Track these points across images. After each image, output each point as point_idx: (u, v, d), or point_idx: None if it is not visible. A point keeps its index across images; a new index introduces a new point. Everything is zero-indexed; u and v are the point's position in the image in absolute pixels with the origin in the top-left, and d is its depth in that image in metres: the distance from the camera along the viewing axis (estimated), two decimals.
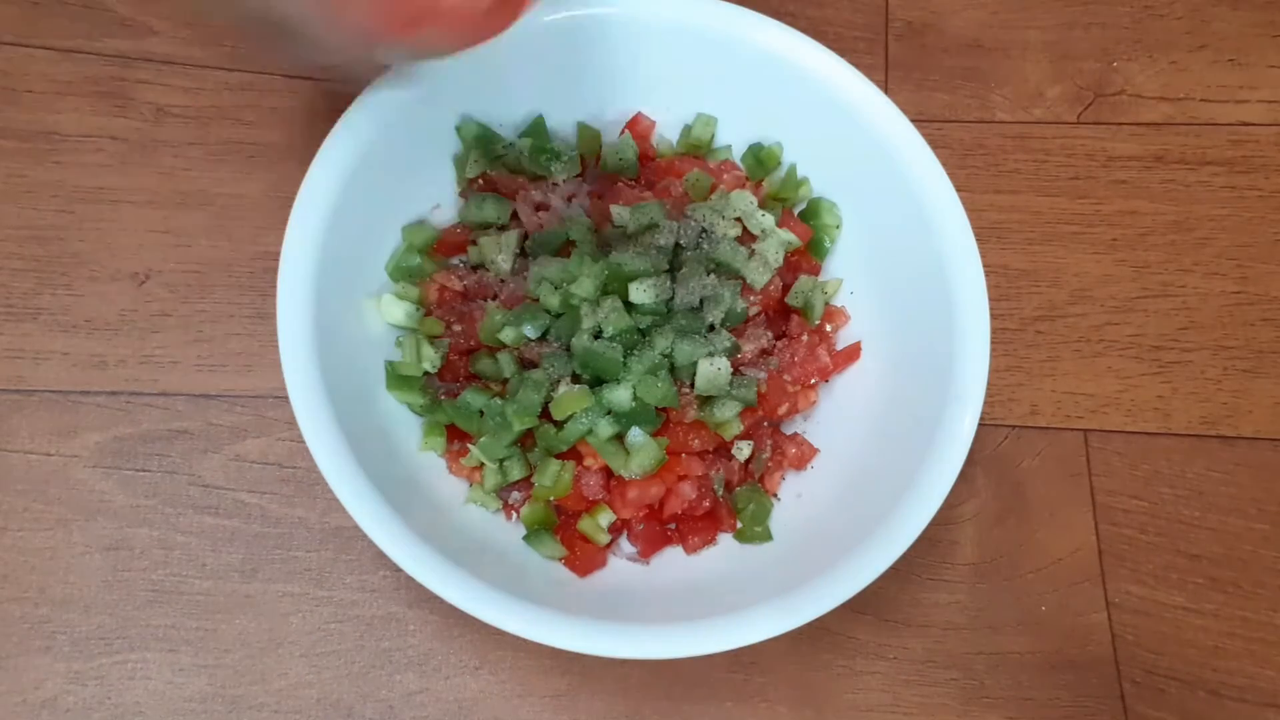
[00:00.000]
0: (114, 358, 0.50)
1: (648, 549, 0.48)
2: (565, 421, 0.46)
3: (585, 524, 0.47)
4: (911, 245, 0.48)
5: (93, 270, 0.51)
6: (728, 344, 0.47)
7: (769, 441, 0.50)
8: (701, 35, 0.50)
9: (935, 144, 0.49)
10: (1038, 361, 0.57)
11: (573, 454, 0.47)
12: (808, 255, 0.52)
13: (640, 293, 0.46)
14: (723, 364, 0.46)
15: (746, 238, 0.50)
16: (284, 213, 0.44)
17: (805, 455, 0.50)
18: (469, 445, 0.47)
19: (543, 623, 0.41)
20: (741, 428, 0.48)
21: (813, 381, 0.50)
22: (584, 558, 0.47)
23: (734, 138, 0.54)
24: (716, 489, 0.48)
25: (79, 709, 0.46)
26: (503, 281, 0.49)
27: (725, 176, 0.52)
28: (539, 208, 0.50)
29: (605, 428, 0.45)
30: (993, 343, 0.46)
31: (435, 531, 0.43)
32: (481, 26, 0.34)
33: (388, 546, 0.41)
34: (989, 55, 0.63)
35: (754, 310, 0.49)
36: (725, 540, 0.49)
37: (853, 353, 0.51)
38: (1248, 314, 0.60)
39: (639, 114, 0.53)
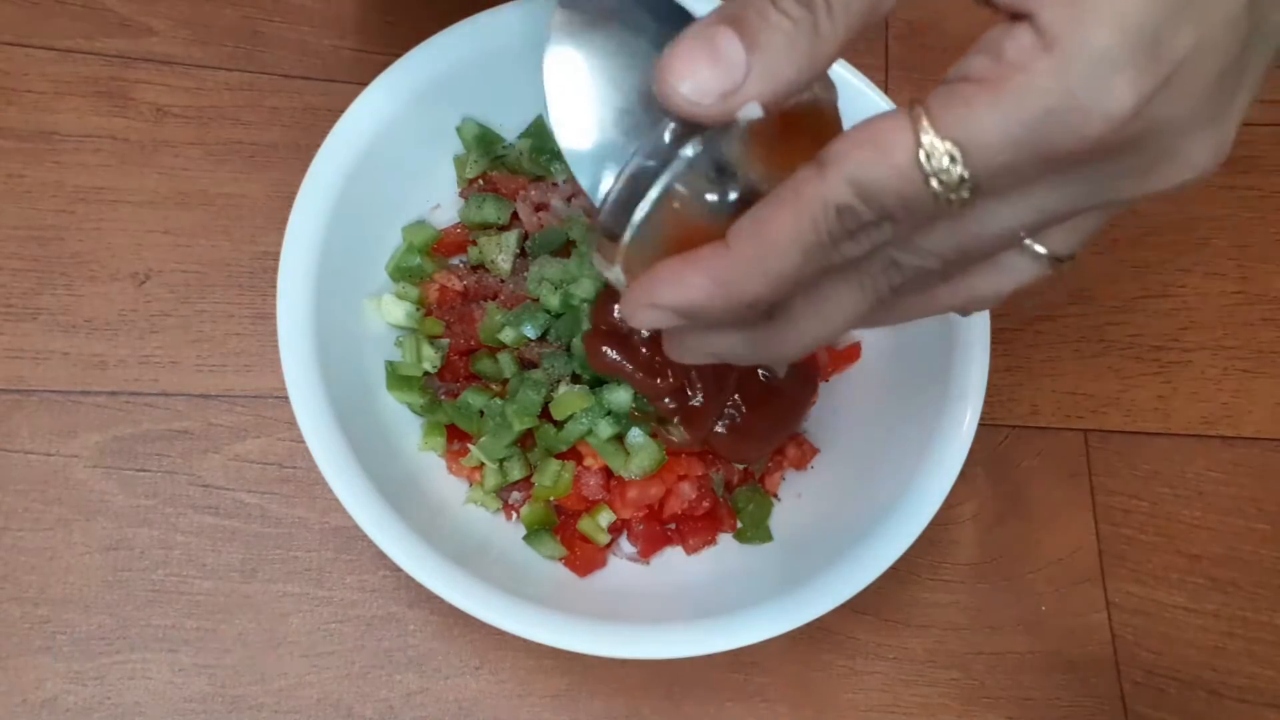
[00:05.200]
0: (114, 358, 0.50)
1: (648, 549, 0.48)
2: (565, 421, 0.46)
3: (585, 524, 0.47)
4: None
5: (93, 270, 0.51)
6: None
7: None
8: None
9: None
10: (1038, 361, 0.57)
11: (573, 454, 0.47)
12: None
13: None
14: None
15: None
16: (284, 213, 0.44)
17: (805, 455, 0.50)
18: (469, 445, 0.47)
19: (543, 623, 0.41)
20: None
21: None
22: (584, 558, 0.47)
23: None
24: (716, 489, 0.48)
25: (79, 709, 0.46)
26: (503, 281, 0.49)
27: None
28: (539, 208, 0.50)
29: (605, 428, 0.45)
30: (993, 343, 0.46)
31: (435, 531, 0.43)
32: None
33: (388, 546, 0.41)
34: None
35: None
36: (725, 540, 0.49)
37: (852, 353, 0.51)
38: (1248, 314, 0.60)
39: None
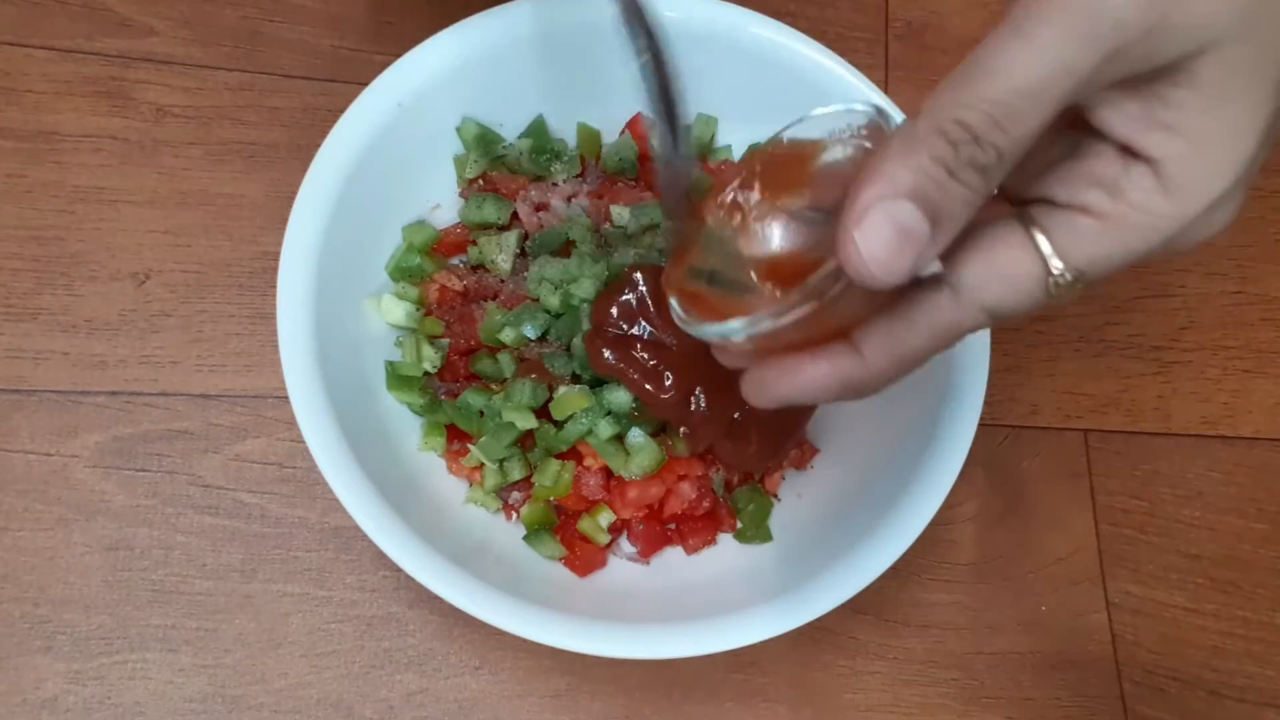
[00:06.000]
0: (114, 358, 0.50)
1: (648, 549, 0.48)
2: (565, 421, 0.46)
3: (585, 524, 0.47)
4: None
5: (93, 270, 0.51)
6: None
7: None
8: (701, 35, 0.50)
9: None
10: (1038, 361, 0.57)
11: (573, 454, 0.47)
12: None
13: None
14: None
15: None
16: (284, 213, 0.44)
17: (805, 455, 0.50)
18: (469, 445, 0.47)
19: (542, 623, 0.41)
20: None
21: None
22: (584, 558, 0.47)
23: (734, 138, 0.53)
24: (716, 489, 0.48)
25: (79, 709, 0.46)
26: (503, 281, 0.49)
27: None
28: (539, 208, 0.50)
29: (605, 428, 0.45)
30: (993, 343, 0.46)
31: (435, 531, 0.43)
32: None
33: (388, 546, 0.41)
34: None
35: None
36: (725, 540, 0.49)
37: None
38: (1248, 314, 0.60)
39: (639, 114, 0.53)
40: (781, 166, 0.32)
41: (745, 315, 0.30)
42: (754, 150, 0.31)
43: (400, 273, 0.49)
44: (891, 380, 0.30)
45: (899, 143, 0.26)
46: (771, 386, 0.31)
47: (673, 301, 0.33)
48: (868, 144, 0.30)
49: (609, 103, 0.52)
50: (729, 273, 0.32)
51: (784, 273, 0.30)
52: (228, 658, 0.47)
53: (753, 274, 0.31)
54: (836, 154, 0.31)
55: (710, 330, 0.31)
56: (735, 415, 0.46)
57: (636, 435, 0.46)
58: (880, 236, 0.26)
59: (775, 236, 0.31)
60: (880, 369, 0.30)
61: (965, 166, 0.26)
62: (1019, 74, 0.25)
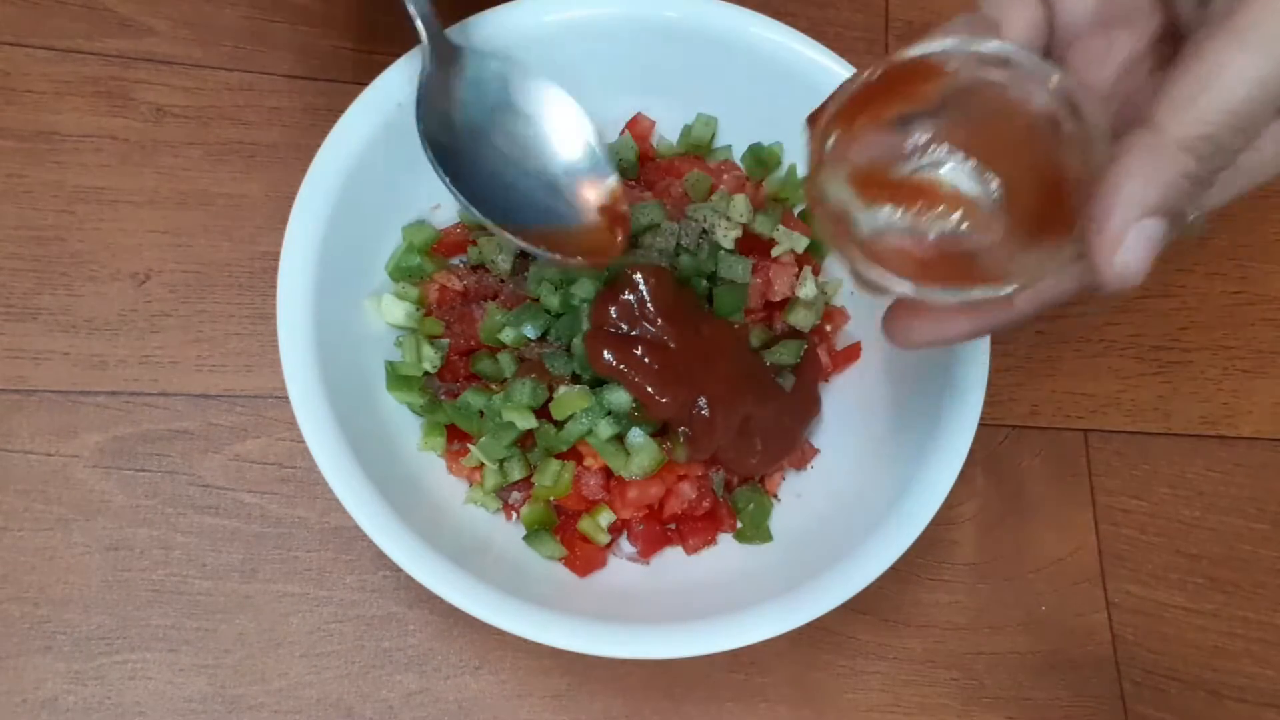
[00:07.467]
0: (114, 358, 0.50)
1: (648, 549, 0.48)
2: (565, 421, 0.46)
3: (585, 524, 0.47)
4: None
5: (93, 270, 0.51)
6: None
7: None
8: (701, 35, 0.50)
9: None
10: (1038, 361, 0.57)
11: (573, 454, 0.47)
12: (809, 255, 0.52)
13: None
14: None
15: (749, 240, 0.50)
16: (284, 213, 0.44)
17: (805, 455, 0.50)
18: (469, 445, 0.47)
19: (543, 623, 0.41)
20: None
21: None
22: (584, 558, 0.47)
23: (734, 138, 0.53)
24: (716, 489, 0.48)
25: (79, 709, 0.46)
26: (503, 281, 0.49)
27: (725, 176, 0.52)
28: None
29: (605, 428, 0.45)
30: (993, 343, 0.46)
31: (435, 531, 0.43)
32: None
33: (388, 546, 0.41)
34: None
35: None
36: (725, 540, 0.49)
37: (852, 353, 0.51)
38: (1248, 314, 0.60)
39: (639, 114, 0.53)
40: (909, 79, 0.33)
41: (955, 285, 0.30)
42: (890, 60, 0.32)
43: (400, 273, 0.49)
44: (1027, 321, 0.33)
45: (1144, 161, 0.27)
46: (920, 333, 0.33)
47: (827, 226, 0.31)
48: (1076, 100, 0.30)
49: (609, 102, 0.52)
50: (840, 191, 0.32)
51: (880, 183, 0.31)
52: (228, 658, 0.47)
53: (853, 188, 0.31)
54: (1018, 91, 0.32)
55: (900, 287, 0.30)
56: (741, 419, 0.46)
57: (636, 435, 0.46)
58: (1136, 254, 0.28)
59: (884, 146, 0.32)
60: (1025, 315, 0.32)
61: (1210, 175, 0.28)
62: (1255, 85, 0.26)
